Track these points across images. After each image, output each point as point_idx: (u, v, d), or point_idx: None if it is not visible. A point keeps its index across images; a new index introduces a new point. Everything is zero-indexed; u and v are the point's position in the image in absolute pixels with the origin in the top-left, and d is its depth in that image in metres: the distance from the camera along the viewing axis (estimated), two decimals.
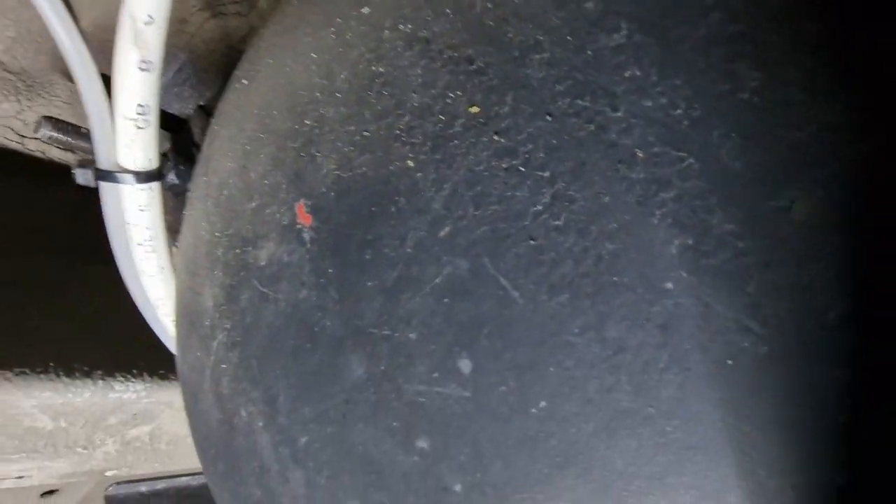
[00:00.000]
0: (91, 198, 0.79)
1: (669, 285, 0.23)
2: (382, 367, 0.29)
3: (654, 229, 0.24)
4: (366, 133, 0.32)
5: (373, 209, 0.30)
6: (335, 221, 0.31)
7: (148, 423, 0.70)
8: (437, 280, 0.27)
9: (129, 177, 0.45)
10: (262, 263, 0.35)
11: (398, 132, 0.30)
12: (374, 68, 0.33)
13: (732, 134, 0.23)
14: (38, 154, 0.74)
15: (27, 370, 0.56)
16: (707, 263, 0.23)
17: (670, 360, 0.23)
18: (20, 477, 0.65)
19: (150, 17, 0.40)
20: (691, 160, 0.24)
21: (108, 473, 0.75)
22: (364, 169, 0.31)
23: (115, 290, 0.71)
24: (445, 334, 0.27)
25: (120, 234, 0.47)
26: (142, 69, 0.41)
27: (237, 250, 0.38)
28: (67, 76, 0.71)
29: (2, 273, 0.61)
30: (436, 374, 0.27)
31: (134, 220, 0.46)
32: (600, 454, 0.24)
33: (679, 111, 0.24)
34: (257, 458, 0.35)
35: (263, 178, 0.37)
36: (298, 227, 0.33)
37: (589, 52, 0.26)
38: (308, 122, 0.35)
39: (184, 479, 0.83)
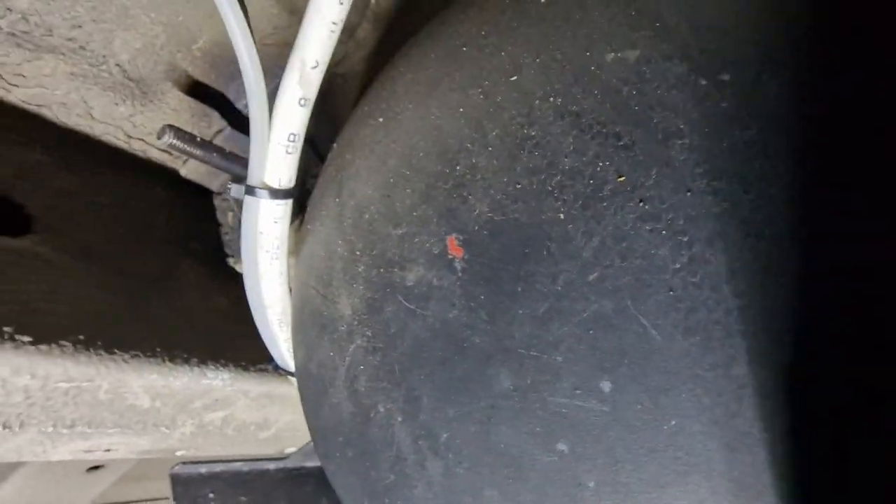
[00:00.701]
0: (181, 198, 0.85)
1: (789, 338, 0.29)
2: (529, 381, 0.35)
3: (778, 290, 0.30)
4: (518, 185, 0.38)
5: (526, 251, 0.37)
6: (488, 256, 0.38)
7: (224, 410, 0.76)
8: (585, 314, 0.34)
9: (271, 193, 0.51)
10: (409, 284, 0.42)
11: (550, 188, 0.37)
12: (525, 131, 0.39)
13: None
14: (140, 154, 0.80)
15: (140, 353, 0.62)
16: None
17: (788, 397, 0.29)
18: (108, 450, 0.71)
19: (316, 62, 0.47)
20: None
21: (178, 453, 0.80)
22: (517, 215, 0.38)
23: (206, 284, 0.78)
24: (589, 359, 0.33)
25: (251, 240, 0.53)
26: (301, 105, 0.48)
27: (381, 269, 0.44)
28: (180, 87, 0.78)
29: (118, 262, 0.67)
30: (578, 391, 0.34)
31: (266, 230, 0.52)
32: (721, 467, 0.30)
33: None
34: (394, 448, 0.41)
35: (412, 210, 0.43)
36: (450, 257, 0.40)
37: (724, 144, 0.33)
38: (459, 168, 0.41)
39: (237, 464, 0.89)
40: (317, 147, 0.79)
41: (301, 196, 0.73)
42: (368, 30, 0.81)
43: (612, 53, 0.39)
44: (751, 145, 0.33)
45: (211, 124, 0.82)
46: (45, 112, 0.70)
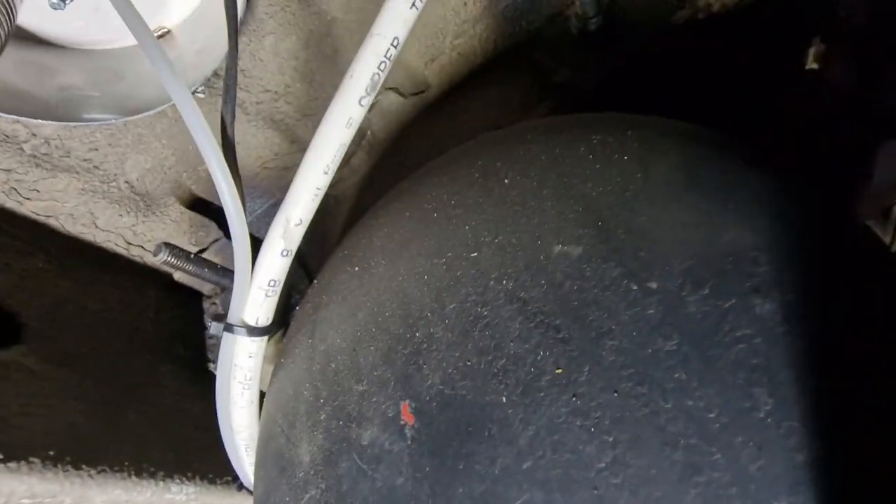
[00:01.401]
0: (172, 300, 0.88)
1: None
2: None
3: (692, 500, 0.33)
4: (468, 363, 0.41)
5: (469, 429, 0.39)
6: (435, 429, 0.41)
7: None
8: (518, 503, 0.36)
9: (248, 330, 0.54)
10: (364, 443, 0.44)
11: (496, 371, 0.40)
12: (479, 310, 0.43)
13: (750, 443, 0.33)
14: (137, 259, 0.85)
15: (107, 468, 0.63)
16: None
17: None
18: None
19: (300, 220, 0.51)
20: (718, 456, 0.33)
21: None
22: (464, 392, 0.41)
23: (183, 390, 0.80)
24: None
25: (226, 371, 0.56)
26: (283, 255, 0.52)
27: (340, 422, 0.47)
28: (182, 202, 0.84)
29: (99, 368, 0.69)
30: None
31: (241, 363, 0.55)
32: None
33: (711, 415, 0.34)
34: None
35: (373, 370, 0.46)
36: (402, 423, 0.42)
37: (649, 350, 0.37)
38: (419, 335, 0.45)
39: None
40: (306, 265, 0.83)
41: (285, 309, 0.77)
42: (363, 158, 0.88)
43: (559, 246, 0.43)
44: (671, 355, 0.36)
45: (208, 234, 0.87)
46: (52, 222, 0.75)
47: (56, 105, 0.66)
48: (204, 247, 0.88)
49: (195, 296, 0.91)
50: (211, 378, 0.85)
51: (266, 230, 0.88)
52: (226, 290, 0.88)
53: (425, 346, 0.44)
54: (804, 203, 0.46)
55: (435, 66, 0.82)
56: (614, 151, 0.48)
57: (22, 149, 0.68)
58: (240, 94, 0.75)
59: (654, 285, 0.39)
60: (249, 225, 0.87)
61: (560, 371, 0.38)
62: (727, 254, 0.39)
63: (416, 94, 0.85)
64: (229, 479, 0.76)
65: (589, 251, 0.42)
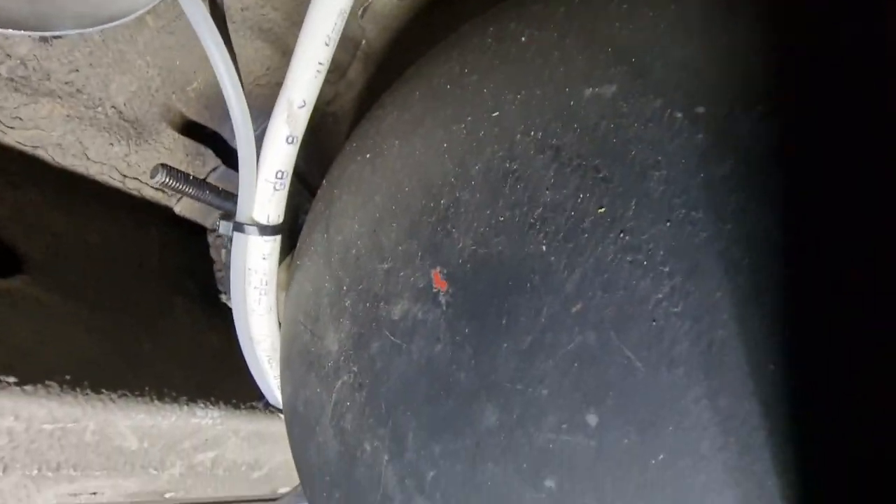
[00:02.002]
0: (175, 235, 0.85)
1: (772, 367, 0.29)
2: (515, 417, 0.34)
3: (759, 320, 0.30)
4: (501, 219, 0.38)
5: (509, 283, 0.36)
6: (472, 290, 0.38)
7: (213, 450, 0.74)
8: (569, 347, 0.34)
9: (259, 229, 0.51)
10: (395, 318, 0.42)
11: (532, 221, 0.37)
12: (507, 165, 0.40)
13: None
14: (134, 192, 0.81)
15: (127, 392, 0.61)
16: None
17: (772, 428, 0.29)
18: (94, 493, 0.69)
19: (303, 101, 0.48)
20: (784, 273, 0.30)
21: (168, 496, 0.78)
22: (500, 248, 0.38)
23: (198, 323, 0.77)
24: (575, 393, 0.33)
25: (240, 276, 0.53)
26: (288, 143, 0.49)
27: (367, 304, 0.44)
28: (174, 127, 0.79)
29: (109, 302, 0.66)
30: (565, 426, 0.33)
31: (255, 266, 0.53)
32: (710, 501, 0.29)
33: (776, 235, 0.31)
34: (380, 489, 0.40)
35: (397, 245, 0.43)
36: (434, 291, 0.40)
37: (701, 176, 0.33)
38: (444, 202, 0.42)
39: None
40: (309, 185, 0.79)
41: (292, 233, 0.74)
42: (359, 70, 0.83)
43: (590, 89, 0.39)
44: (726, 179, 0.33)
45: (205, 163, 0.83)
46: (41, 153, 0.71)
47: (27, 17, 0.61)
48: (202, 177, 0.84)
49: (199, 230, 0.88)
50: (225, 310, 0.82)
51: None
52: (209, 204, 0.85)
53: (452, 210, 0.41)
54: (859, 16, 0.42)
55: None
56: None
57: None
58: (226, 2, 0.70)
59: (701, 110, 0.35)
60: None
61: (603, 210, 0.35)
62: (778, 72, 0.36)
63: None
64: (252, 403, 0.75)
65: (624, 88, 0.38)
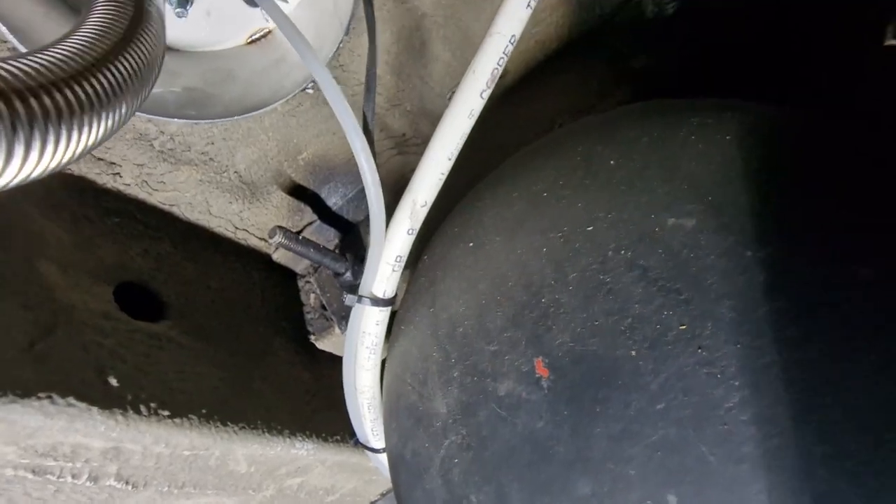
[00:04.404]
0: (272, 279, 0.97)
1: (820, 472, 0.38)
2: (605, 489, 0.43)
3: (810, 434, 0.38)
4: (595, 323, 0.48)
5: (603, 378, 0.46)
6: (570, 380, 0.47)
7: (302, 476, 0.84)
8: (654, 438, 0.42)
9: (375, 301, 0.61)
10: (501, 394, 0.51)
11: (623, 328, 0.46)
12: (600, 277, 0.49)
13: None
14: (242, 242, 0.93)
15: (246, 425, 0.72)
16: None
17: None
18: None
19: (425, 202, 0.58)
20: (829, 398, 0.39)
21: None
22: (595, 348, 0.47)
23: (294, 360, 0.88)
24: (658, 475, 0.42)
25: (354, 337, 0.63)
26: (408, 234, 0.59)
27: (475, 378, 0.53)
28: (282, 188, 0.91)
29: (227, 341, 0.78)
30: (648, 501, 0.42)
31: (369, 330, 0.63)
32: None
33: (823, 366, 0.40)
34: None
35: (503, 331, 0.53)
36: (537, 376, 0.49)
37: (764, 310, 0.42)
38: (544, 301, 0.51)
39: None
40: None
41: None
42: None
43: (672, 219, 0.49)
44: (782, 313, 0.42)
45: (303, 217, 0.95)
46: (175, 210, 0.83)
47: (182, 105, 0.73)
48: (299, 229, 0.96)
49: (291, 275, 0.99)
50: (312, 349, 0.93)
51: (356, 213, 0.95)
52: (320, 269, 0.96)
53: (552, 310, 0.50)
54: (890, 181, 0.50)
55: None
56: (715, 133, 0.53)
57: (152, 145, 0.76)
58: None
59: (762, 254, 0.44)
60: (341, 209, 0.94)
61: (684, 327, 0.44)
62: (828, 228, 0.44)
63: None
64: (338, 437, 0.85)
65: (702, 224, 0.47)
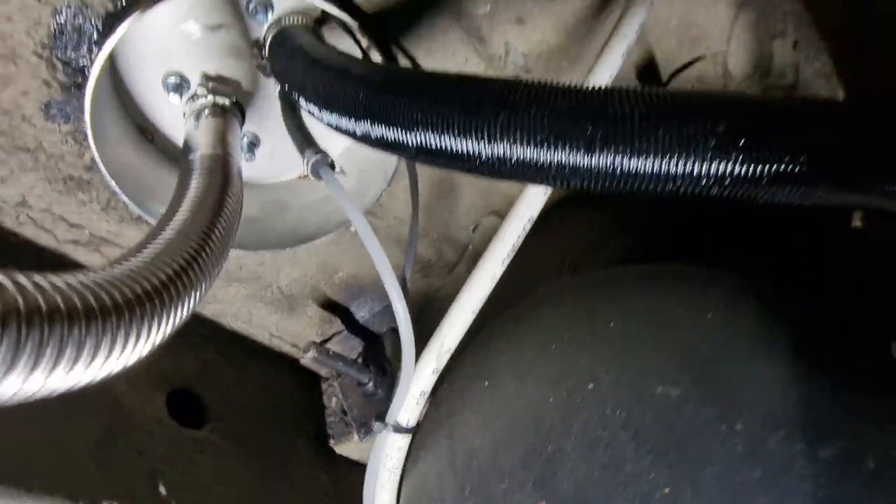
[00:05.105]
0: (299, 382, 1.05)
1: None
2: None
3: None
4: (594, 475, 0.55)
5: None
6: None
7: None
8: None
9: (399, 429, 0.69)
10: None
11: (617, 483, 0.53)
12: (600, 432, 0.57)
13: None
14: (276, 348, 1.02)
15: None
16: None
17: None
18: None
19: (450, 347, 0.67)
20: None
21: None
22: (593, 499, 0.54)
23: (314, 462, 0.94)
24: None
25: (378, 459, 0.71)
26: (433, 373, 0.68)
27: None
28: (317, 302, 1.01)
29: (261, 442, 0.85)
30: None
31: (391, 454, 0.70)
32: None
33: None
34: None
35: (513, 472, 0.60)
36: None
37: (739, 479, 0.50)
38: (550, 449, 0.59)
39: None
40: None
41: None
42: (465, 268, 1.04)
43: (661, 387, 0.57)
44: (756, 484, 0.49)
45: (332, 326, 1.04)
46: (221, 320, 0.93)
47: (243, 234, 0.84)
48: (327, 337, 1.05)
49: (315, 377, 1.07)
50: (331, 452, 0.99)
51: (380, 325, 1.04)
52: (343, 375, 1.04)
53: (557, 456, 0.58)
54: (862, 356, 0.59)
55: None
56: (701, 307, 0.62)
57: None
58: (374, 221, 0.93)
59: (739, 427, 0.52)
60: (367, 322, 1.03)
61: (668, 491, 0.51)
62: (796, 406, 0.52)
63: None
64: None
65: (687, 393, 0.55)
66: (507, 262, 0.65)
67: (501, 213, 1.01)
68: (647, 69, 0.89)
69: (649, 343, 0.61)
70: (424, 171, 0.95)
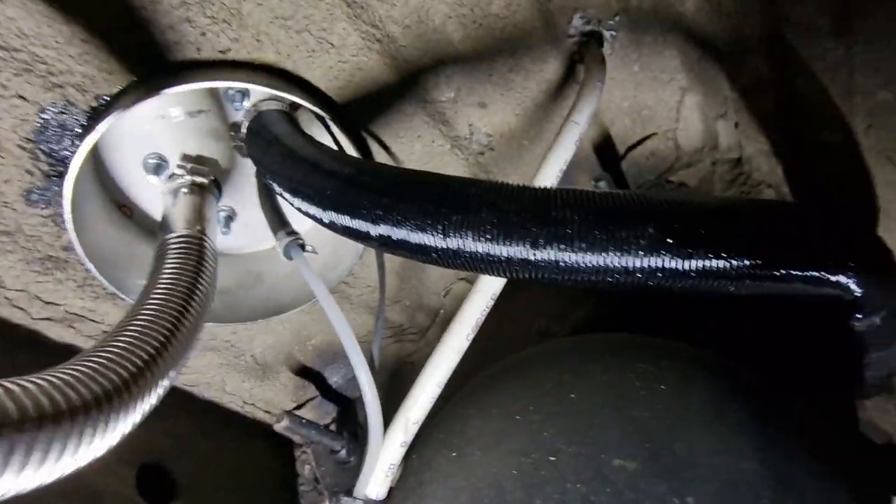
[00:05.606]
0: (272, 448, 1.04)
1: None
2: None
3: None
4: None
5: None
6: None
7: None
8: None
9: (368, 502, 0.70)
10: None
11: None
12: None
13: None
14: (248, 415, 1.02)
15: None
16: None
17: None
18: None
19: (417, 421, 0.69)
20: None
21: None
22: None
23: None
24: None
25: None
26: (401, 446, 0.69)
27: None
28: (291, 369, 1.02)
29: None
30: None
31: None
32: None
33: None
34: None
35: None
36: None
37: None
38: None
39: None
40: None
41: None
42: (436, 332, 1.07)
43: (619, 461, 0.59)
44: None
45: (306, 392, 1.05)
46: (194, 390, 0.93)
47: (215, 308, 0.86)
48: (301, 403, 1.05)
49: (288, 443, 1.07)
50: None
51: (354, 390, 1.05)
52: (315, 443, 1.04)
53: None
54: (808, 426, 0.62)
55: None
56: (656, 380, 0.66)
57: None
58: (347, 290, 0.96)
59: (690, 500, 0.54)
60: (341, 387, 1.04)
61: None
62: (744, 481, 0.55)
63: None
64: None
65: (642, 467, 0.58)
66: (471, 336, 0.68)
67: (470, 280, 1.05)
68: (604, 145, 0.95)
69: (609, 417, 0.63)
70: None
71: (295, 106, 0.83)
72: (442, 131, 0.83)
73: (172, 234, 0.72)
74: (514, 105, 0.84)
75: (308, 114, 0.80)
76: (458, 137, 0.85)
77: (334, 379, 1.04)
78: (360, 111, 0.76)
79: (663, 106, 0.91)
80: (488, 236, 0.48)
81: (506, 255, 0.48)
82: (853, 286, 0.53)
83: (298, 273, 0.93)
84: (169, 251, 0.69)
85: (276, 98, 0.80)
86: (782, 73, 0.77)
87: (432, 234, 0.50)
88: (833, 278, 0.52)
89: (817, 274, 0.51)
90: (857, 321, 0.58)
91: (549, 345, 0.79)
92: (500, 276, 0.49)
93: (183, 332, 0.56)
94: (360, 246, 0.88)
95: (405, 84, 0.76)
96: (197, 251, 0.70)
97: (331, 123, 0.75)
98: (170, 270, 0.65)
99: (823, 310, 0.77)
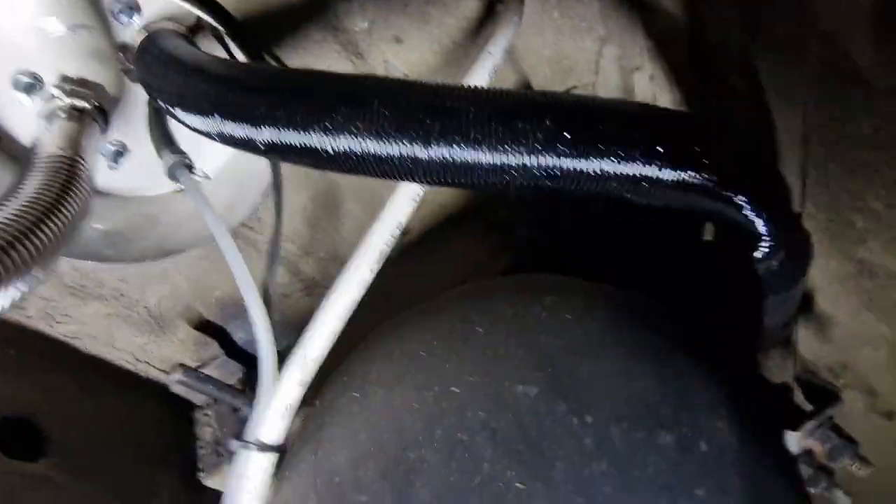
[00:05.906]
0: (169, 411, 0.96)
1: None
2: None
3: None
4: (452, 479, 0.54)
5: None
6: None
7: None
8: None
9: (262, 447, 0.65)
10: None
11: (474, 486, 0.52)
12: (459, 435, 0.56)
13: None
14: (142, 373, 0.93)
15: None
16: None
17: None
18: None
19: (315, 359, 0.64)
20: None
21: None
22: (450, 500, 0.52)
23: (171, 500, 0.86)
24: None
25: (236, 482, 0.65)
26: (300, 385, 0.65)
27: None
28: (190, 323, 0.95)
29: (115, 479, 0.76)
30: None
31: (252, 475, 0.65)
32: None
33: None
34: None
35: (372, 483, 0.58)
36: None
37: (586, 472, 0.50)
38: (412, 456, 0.57)
39: None
40: None
41: None
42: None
43: (520, 387, 0.57)
44: (604, 475, 0.50)
45: (208, 351, 0.97)
46: (77, 342, 0.84)
47: (102, 248, 0.78)
48: (204, 362, 0.98)
49: (188, 406, 0.99)
50: (200, 486, 0.92)
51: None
52: (219, 402, 0.97)
53: (417, 465, 0.56)
54: (705, 353, 0.62)
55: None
56: (562, 311, 0.64)
57: (63, 281, 0.79)
58: (255, 237, 0.90)
59: (589, 419, 0.53)
60: (245, 343, 0.98)
61: (523, 486, 0.51)
62: (641, 398, 0.55)
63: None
64: None
65: (543, 391, 0.56)
66: (375, 268, 0.64)
67: None
68: None
69: (514, 347, 0.61)
70: (309, 188, 0.94)
71: (194, 30, 0.76)
72: (354, 63, 0.79)
73: (42, 155, 0.64)
74: (431, 41, 0.81)
75: (210, 42, 0.74)
76: (372, 72, 0.81)
77: (239, 335, 0.97)
78: (264, 29, 0.70)
79: (582, 56, 0.91)
80: (379, 130, 0.44)
81: (398, 154, 0.45)
82: (750, 213, 0.53)
83: (199, 216, 0.86)
84: (34, 170, 0.61)
85: (172, 17, 0.73)
86: (693, 19, 0.78)
87: (320, 133, 0.46)
88: (733, 197, 0.51)
89: (714, 187, 0.50)
90: (756, 263, 0.57)
91: (460, 289, 0.77)
92: (392, 179, 0.46)
93: (37, 244, 0.49)
94: (263, 183, 0.83)
95: (314, 5, 0.71)
96: (67, 171, 0.62)
97: (228, 41, 0.69)
98: (30, 187, 0.58)
99: (731, 252, 0.79)
